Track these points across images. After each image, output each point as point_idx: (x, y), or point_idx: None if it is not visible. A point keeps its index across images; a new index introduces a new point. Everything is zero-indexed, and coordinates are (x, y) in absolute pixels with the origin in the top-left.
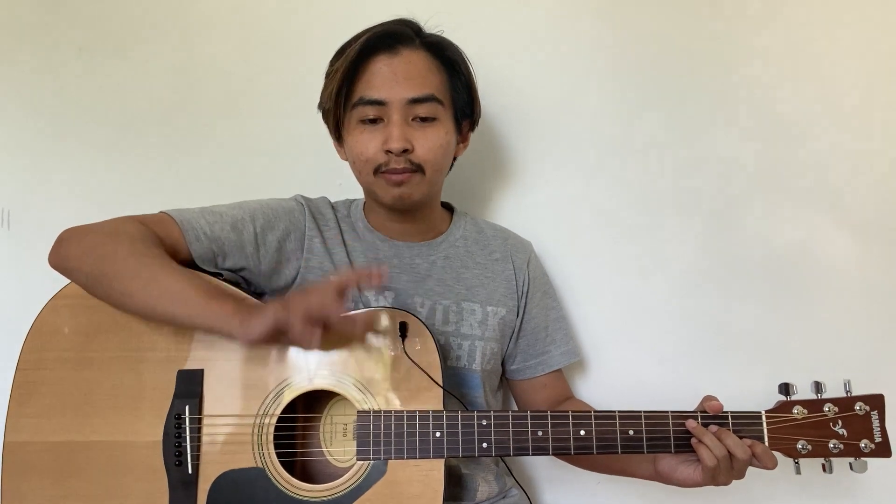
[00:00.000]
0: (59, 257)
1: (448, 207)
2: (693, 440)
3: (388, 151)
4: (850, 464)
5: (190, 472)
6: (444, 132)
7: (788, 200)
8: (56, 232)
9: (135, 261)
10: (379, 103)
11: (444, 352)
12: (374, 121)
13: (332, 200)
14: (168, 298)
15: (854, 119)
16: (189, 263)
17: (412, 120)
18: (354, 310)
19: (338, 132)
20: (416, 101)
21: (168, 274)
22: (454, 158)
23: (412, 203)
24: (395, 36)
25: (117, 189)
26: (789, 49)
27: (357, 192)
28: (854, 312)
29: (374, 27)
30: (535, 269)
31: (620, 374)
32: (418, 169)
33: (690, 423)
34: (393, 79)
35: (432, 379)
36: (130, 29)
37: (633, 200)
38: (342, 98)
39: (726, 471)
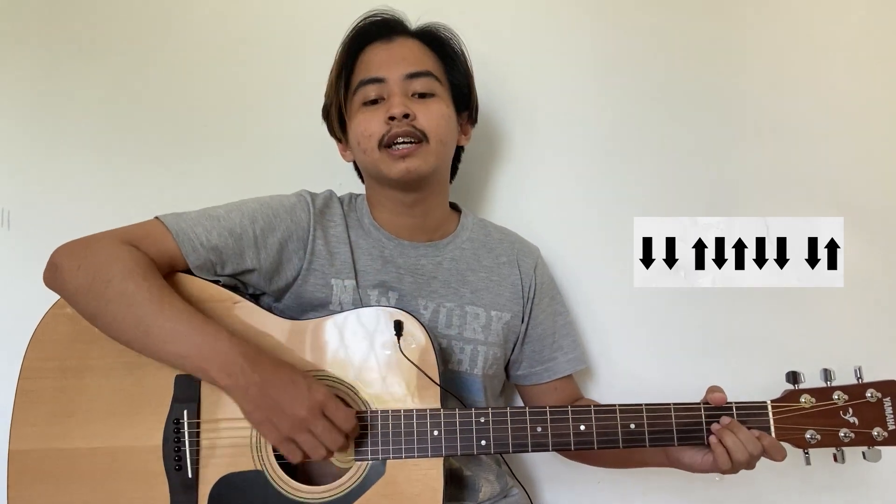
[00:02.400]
0: (54, 286)
1: (455, 208)
2: (712, 438)
3: (390, 118)
4: (864, 453)
5: (190, 476)
6: (444, 106)
7: (789, 198)
8: (56, 232)
9: (126, 307)
10: (378, 80)
11: (444, 355)
12: (375, 102)
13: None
14: (161, 345)
15: (854, 119)
16: (186, 271)
17: (412, 96)
18: (352, 309)
19: (342, 126)
20: (413, 76)
21: (165, 318)
22: (459, 157)
23: (419, 177)
24: (389, 24)
25: (117, 189)
26: (790, 49)
27: (357, 190)
28: (860, 305)
29: (368, 14)
30: (542, 275)
31: (629, 377)
32: (423, 138)
33: (723, 420)
34: (390, 60)
35: (428, 377)
36: (130, 29)
37: (636, 201)
38: (342, 85)
39: (737, 465)
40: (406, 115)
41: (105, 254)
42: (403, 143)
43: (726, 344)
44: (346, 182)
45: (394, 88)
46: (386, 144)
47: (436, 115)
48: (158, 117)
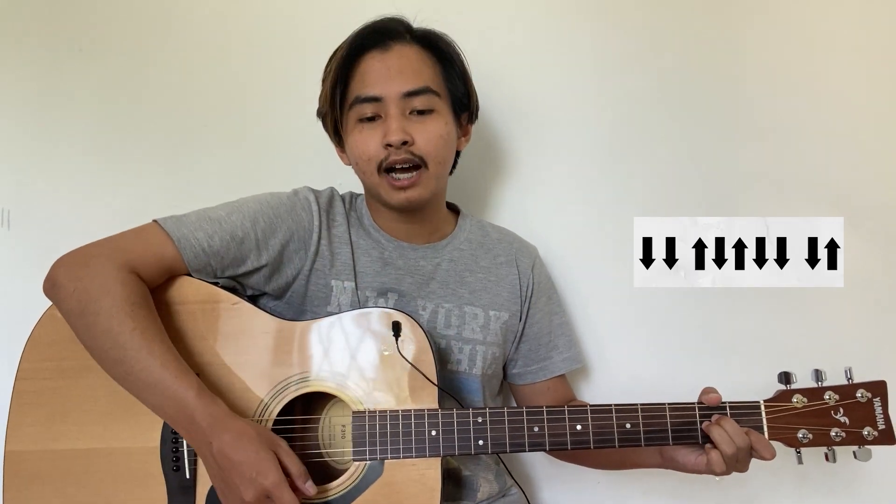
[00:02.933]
0: (51, 299)
1: (453, 209)
2: (707, 445)
3: (388, 145)
4: (854, 452)
5: (188, 476)
6: (443, 123)
7: (789, 198)
8: (56, 232)
9: (109, 346)
10: (375, 100)
11: (443, 355)
12: (371, 119)
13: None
14: (137, 392)
15: (854, 119)
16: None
17: (410, 113)
18: (350, 310)
19: (337, 135)
20: (411, 94)
21: (141, 367)
22: (457, 154)
23: (419, 203)
24: (385, 32)
25: (117, 189)
26: (790, 49)
27: (357, 189)
28: (860, 305)
29: (363, 26)
30: (540, 274)
31: (625, 378)
32: (421, 163)
33: (713, 417)
34: (386, 74)
35: (426, 377)
36: (130, 29)
37: (636, 201)
38: (337, 99)
39: (730, 463)
40: (404, 142)
41: (99, 281)
42: (402, 169)
43: (727, 344)
44: (346, 182)
45: (391, 109)
46: (385, 169)
47: (434, 137)
48: (158, 117)
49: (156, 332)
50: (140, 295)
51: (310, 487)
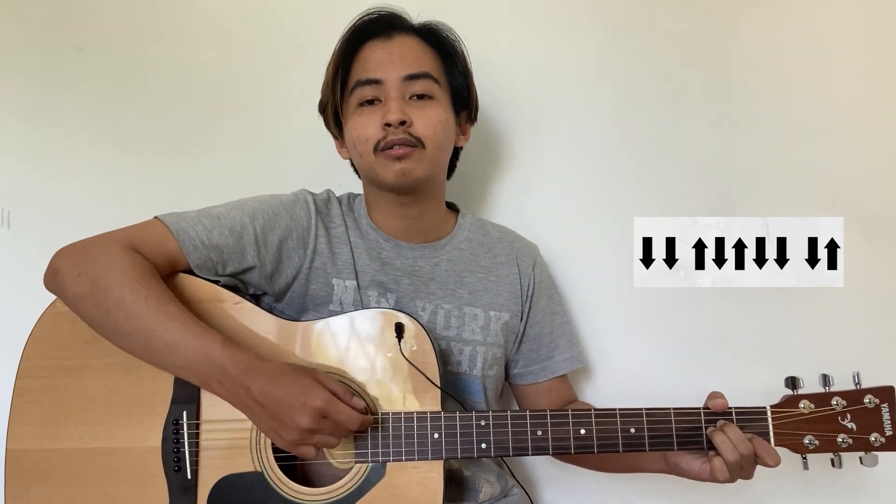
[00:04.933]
0: (54, 290)
1: (453, 208)
2: (711, 453)
3: (387, 125)
4: (861, 458)
5: (189, 477)
6: (441, 110)
7: (789, 198)
8: (56, 232)
9: (124, 317)
10: (375, 82)
11: (444, 356)
12: (371, 102)
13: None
14: (160, 357)
15: (854, 119)
16: (187, 271)
17: (409, 98)
18: (352, 309)
19: (337, 124)
20: (412, 78)
21: (162, 329)
22: (456, 156)
23: (414, 181)
24: (388, 21)
25: (117, 188)
26: (790, 49)
27: (357, 190)
28: (860, 305)
29: (367, 11)
30: (541, 273)
31: (626, 378)
32: (418, 143)
33: (718, 423)
34: (388, 59)
35: (429, 379)
36: (130, 29)
37: (636, 201)
38: (339, 84)
39: (734, 471)
40: (403, 122)
41: (104, 260)
42: (399, 143)
43: (727, 344)
44: (346, 182)
45: (391, 92)
46: (382, 149)
47: (433, 121)
48: (158, 117)
49: (170, 297)
50: (147, 268)
51: (358, 401)
